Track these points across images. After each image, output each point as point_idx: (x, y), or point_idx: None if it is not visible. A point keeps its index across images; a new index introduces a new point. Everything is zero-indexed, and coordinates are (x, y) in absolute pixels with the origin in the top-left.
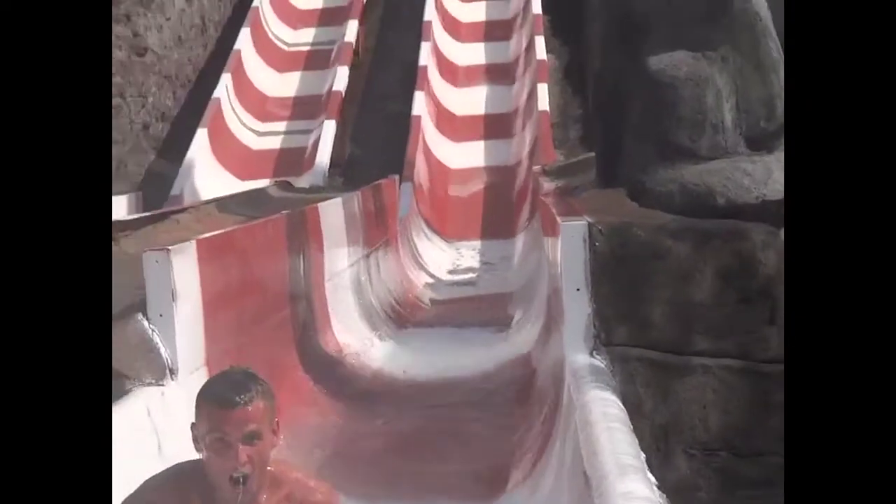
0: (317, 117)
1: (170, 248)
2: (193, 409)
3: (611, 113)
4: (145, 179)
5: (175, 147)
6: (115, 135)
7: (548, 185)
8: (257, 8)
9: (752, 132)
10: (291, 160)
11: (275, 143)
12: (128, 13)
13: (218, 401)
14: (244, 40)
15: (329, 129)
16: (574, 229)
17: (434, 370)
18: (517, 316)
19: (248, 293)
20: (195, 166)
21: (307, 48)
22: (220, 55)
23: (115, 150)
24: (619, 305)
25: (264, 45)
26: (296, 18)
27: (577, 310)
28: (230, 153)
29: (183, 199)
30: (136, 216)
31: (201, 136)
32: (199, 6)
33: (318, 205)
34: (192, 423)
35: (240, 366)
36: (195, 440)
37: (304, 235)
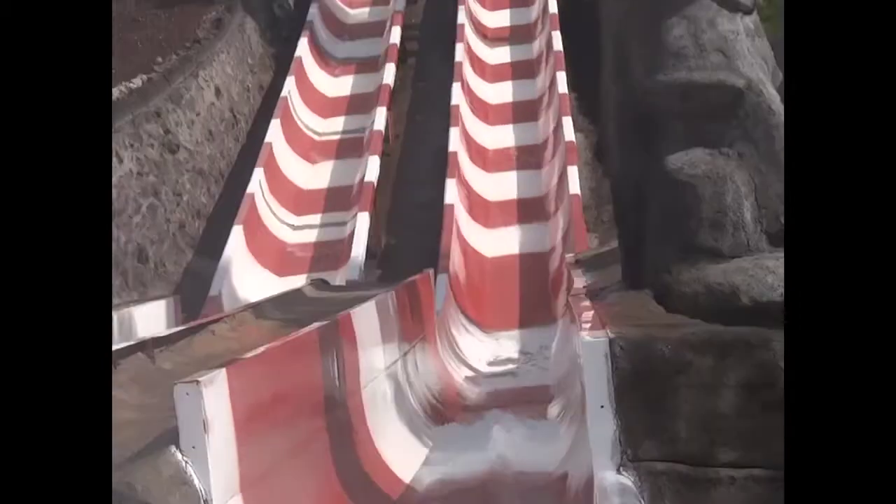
0: (351, 208)
1: (200, 379)
2: None
3: (632, 214)
4: (183, 279)
5: (212, 244)
6: (152, 234)
7: (578, 280)
8: (286, 98)
9: (773, 228)
10: (328, 253)
11: (310, 236)
12: (157, 110)
13: None
14: (275, 132)
15: (363, 221)
16: (596, 346)
17: (475, 470)
18: (555, 410)
19: (282, 410)
20: (232, 264)
21: (338, 137)
22: (252, 148)
23: (153, 251)
24: (643, 420)
25: (295, 136)
26: (325, 107)
27: (603, 426)
28: (266, 249)
29: (222, 299)
30: (171, 331)
31: (237, 233)
32: (229, 99)
33: (351, 311)
34: None
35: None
36: None
37: (338, 344)
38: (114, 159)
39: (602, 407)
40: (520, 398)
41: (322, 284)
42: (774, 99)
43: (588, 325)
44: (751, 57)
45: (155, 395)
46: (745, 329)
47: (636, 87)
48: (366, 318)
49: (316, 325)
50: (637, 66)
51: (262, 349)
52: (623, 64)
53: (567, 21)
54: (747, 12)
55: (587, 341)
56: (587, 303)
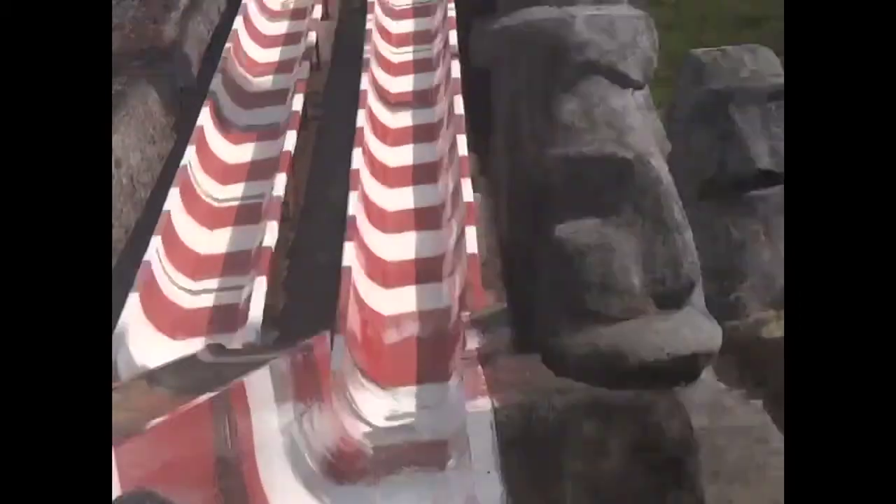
0: (248, 273)
1: None
2: None
3: (521, 280)
4: None
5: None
6: None
7: (471, 341)
8: (186, 166)
9: (660, 291)
10: (225, 317)
11: (208, 301)
12: None
13: None
14: (173, 200)
15: (260, 284)
16: (481, 417)
17: None
18: (452, 462)
19: (173, 482)
20: (128, 331)
21: (237, 203)
22: (151, 216)
23: None
24: (530, 484)
25: (194, 203)
26: (226, 174)
27: (490, 490)
28: (164, 315)
29: (117, 367)
30: None
31: (133, 301)
32: (128, 169)
33: (244, 379)
34: None
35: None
36: None
37: (230, 411)
38: None
39: (489, 472)
40: (417, 452)
41: (218, 349)
42: (662, 169)
43: (475, 394)
44: (641, 130)
45: None
46: (628, 393)
47: (528, 159)
48: (260, 384)
49: (206, 396)
50: (529, 139)
51: (150, 427)
52: (515, 136)
53: (467, 86)
54: (638, 87)
55: (474, 412)
56: (477, 368)
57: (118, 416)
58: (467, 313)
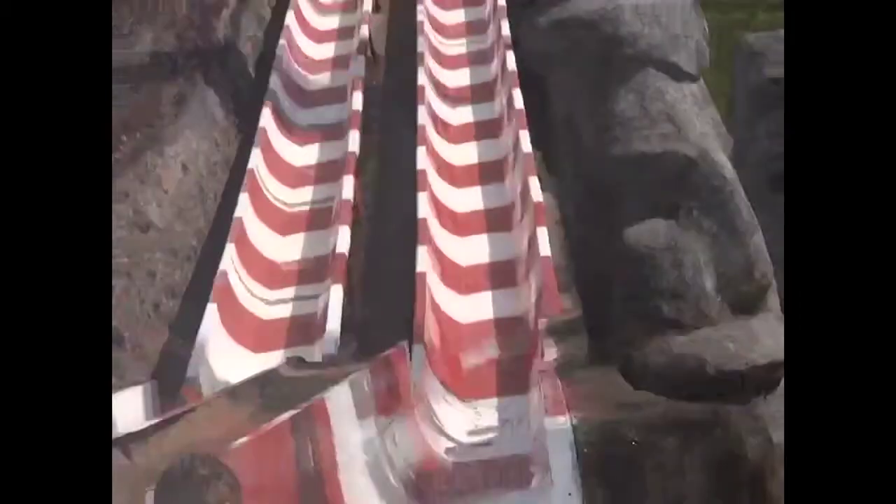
0: (324, 280)
1: None
2: None
3: (593, 287)
4: (161, 361)
5: (188, 324)
6: (127, 317)
7: (548, 350)
8: (253, 170)
9: (734, 297)
10: (303, 327)
11: (285, 311)
12: (126, 190)
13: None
14: (244, 206)
15: (336, 293)
16: (561, 434)
17: None
18: (535, 480)
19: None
20: (208, 344)
21: (307, 207)
22: (223, 223)
23: (129, 333)
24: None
25: (265, 209)
26: (293, 177)
27: None
28: (242, 326)
29: (199, 381)
30: (145, 426)
31: (211, 312)
32: (197, 174)
33: (325, 395)
34: None
35: (199, 455)
36: None
37: (312, 429)
38: None
39: (570, 494)
40: (500, 469)
41: (298, 362)
42: (726, 166)
43: (554, 410)
44: (700, 125)
45: (132, 494)
46: (707, 407)
47: (589, 159)
48: (340, 399)
49: (287, 414)
50: (589, 138)
51: (232, 447)
52: (574, 134)
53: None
54: (692, 80)
55: (553, 430)
56: (555, 381)
57: (203, 435)
58: (544, 320)
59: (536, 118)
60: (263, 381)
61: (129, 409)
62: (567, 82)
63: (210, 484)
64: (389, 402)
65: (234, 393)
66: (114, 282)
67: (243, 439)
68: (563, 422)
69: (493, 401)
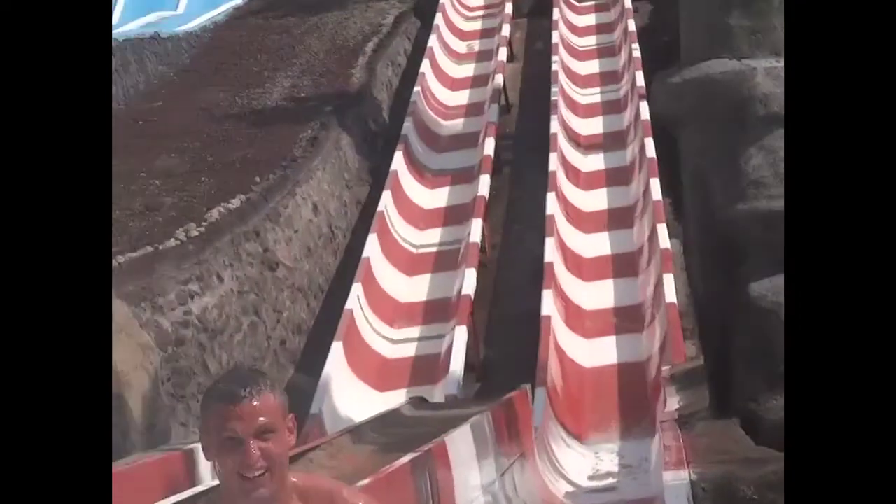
0: (448, 321)
1: None
2: (200, 411)
3: (717, 341)
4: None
5: (313, 361)
6: (253, 352)
7: (671, 399)
8: (383, 212)
9: None
10: (426, 368)
11: (409, 350)
12: (256, 229)
13: (223, 397)
14: (372, 246)
15: (460, 335)
16: (679, 489)
17: None
18: None
19: None
20: (332, 381)
21: (435, 249)
22: (350, 262)
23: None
24: None
25: (392, 250)
26: (422, 219)
27: None
28: (366, 364)
29: (323, 417)
30: None
31: (336, 350)
32: (326, 215)
33: (446, 438)
34: (201, 433)
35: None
36: (205, 451)
37: (432, 471)
38: (214, 279)
39: None
40: None
41: (420, 402)
42: None
43: (673, 463)
44: None
45: None
46: None
47: (716, 214)
48: (461, 442)
49: (409, 456)
50: (717, 193)
51: (355, 488)
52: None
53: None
54: None
55: (671, 483)
56: (676, 432)
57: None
58: (667, 367)
59: (665, 167)
60: (385, 421)
61: None
62: (697, 137)
63: (251, 377)
64: (510, 444)
65: (356, 432)
66: (241, 318)
67: (364, 481)
68: (682, 475)
69: (615, 445)
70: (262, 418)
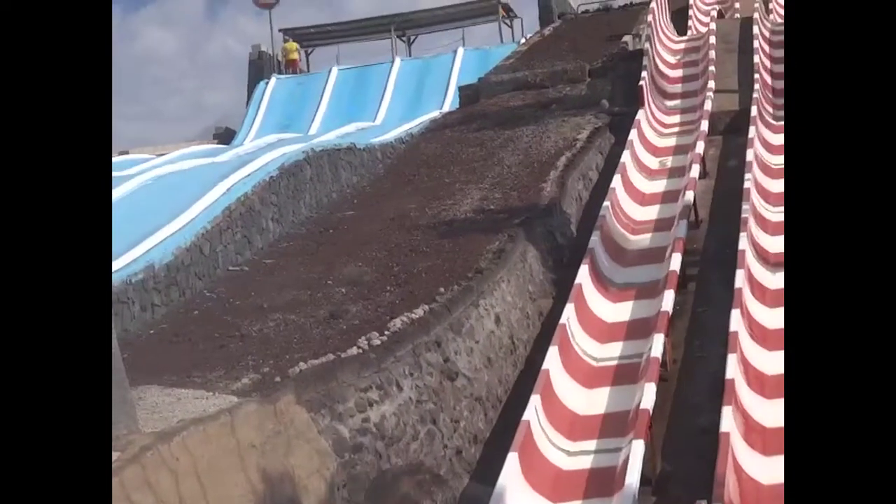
0: (626, 434)
1: None
2: None
3: None
4: None
5: (488, 470)
6: (429, 460)
7: None
8: (564, 325)
9: None
10: (602, 480)
11: (585, 462)
12: (438, 339)
13: None
14: (552, 358)
15: (638, 449)
16: None
17: None
18: None
19: None
20: (507, 491)
21: (615, 363)
22: (529, 373)
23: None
24: None
25: (572, 362)
26: (603, 333)
27: None
28: (541, 475)
29: None
30: None
31: (512, 460)
32: (508, 326)
33: None
34: None
35: None
36: None
37: None
38: (393, 388)
39: None
40: None
41: None
42: None
43: None
44: None
45: None
46: None
47: None
48: None
49: None
50: None
51: None
52: None
53: None
54: None
55: None
56: None
57: None
58: None
59: None
60: None
61: None
62: None
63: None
64: None
65: None
66: (418, 427)
67: None
68: None
69: None
70: None
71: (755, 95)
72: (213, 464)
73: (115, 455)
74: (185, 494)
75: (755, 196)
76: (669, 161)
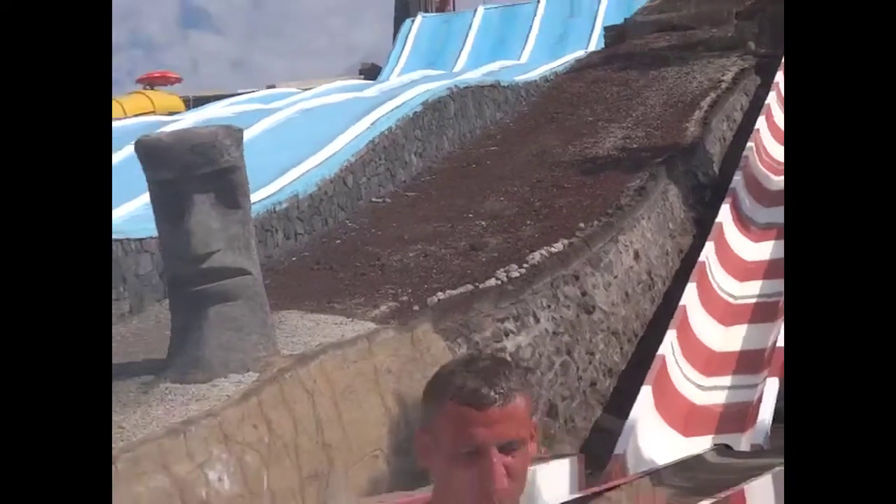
0: (760, 372)
1: None
2: (423, 409)
3: None
4: (590, 436)
5: (621, 403)
6: (563, 391)
7: None
8: (704, 262)
9: None
10: (734, 416)
11: (718, 398)
12: (576, 273)
13: (468, 397)
14: (690, 295)
15: (772, 386)
16: None
17: None
18: None
19: None
20: (639, 424)
21: (753, 301)
22: (666, 309)
23: (563, 407)
24: None
25: (710, 299)
26: (743, 271)
27: None
28: (674, 409)
29: (626, 458)
30: (569, 498)
31: (645, 394)
32: (647, 262)
33: (744, 487)
34: (421, 430)
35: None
36: (423, 456)
37: None
38: (530, 319)
39: None
40: None
41: (725, 450)
42: None
43: None
44: None
45: None
46: None
47: None
48: (761, 492)
49: (707, 502)
50: None
51: None
52: None
53: None
54: None
55: None
56: None
57: None
58: None
59: None
60: (687, 466)
61: (555, 481)
62: None
63: (501, 373)
64: None
65: (657, 474)
66: (553, 358)
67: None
68: None
69: None
70: (511, 428)
71: None
72: (350, 387)
73: (253, 376)
74: (321, 416)
75: None
76: None
